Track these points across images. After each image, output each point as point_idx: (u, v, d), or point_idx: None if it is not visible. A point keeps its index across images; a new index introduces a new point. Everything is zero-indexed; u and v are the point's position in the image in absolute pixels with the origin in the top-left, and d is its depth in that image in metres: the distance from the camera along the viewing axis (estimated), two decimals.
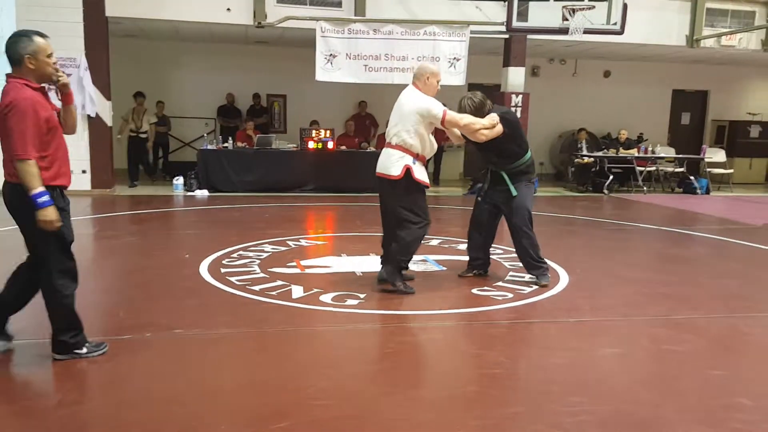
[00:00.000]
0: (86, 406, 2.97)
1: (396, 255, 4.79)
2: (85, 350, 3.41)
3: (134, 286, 4.97)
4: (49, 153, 3.16)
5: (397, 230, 4.77)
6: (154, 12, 9.99)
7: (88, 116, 9.93)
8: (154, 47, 12.72)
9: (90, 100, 9.88)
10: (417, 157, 4.72)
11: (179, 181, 10.53)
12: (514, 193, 5.01)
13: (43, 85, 3.23)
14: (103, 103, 10.07)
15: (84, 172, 10.03)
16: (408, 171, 4.66)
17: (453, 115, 4.75)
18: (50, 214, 3.09)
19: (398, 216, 4.77)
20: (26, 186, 3.05)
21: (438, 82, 4.90)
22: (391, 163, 4.71)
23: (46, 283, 3.30)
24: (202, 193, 10.28)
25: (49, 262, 3.25)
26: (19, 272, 3.46)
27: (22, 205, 3.12)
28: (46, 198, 3.07)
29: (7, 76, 3.14)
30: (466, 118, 4.81)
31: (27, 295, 3.47)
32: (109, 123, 10.15)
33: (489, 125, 4.85)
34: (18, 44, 3.11)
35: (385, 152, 4.80)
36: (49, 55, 3.17)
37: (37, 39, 3.13)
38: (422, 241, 4.98)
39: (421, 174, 4.73)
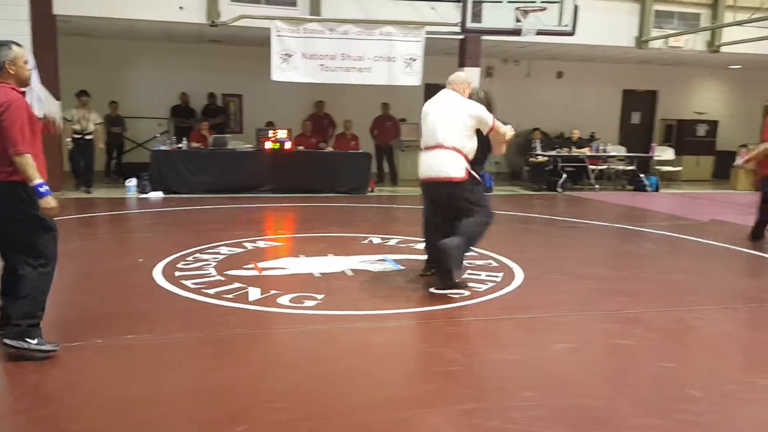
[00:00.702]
0: (35, 414, 2.87)
1: (464, 240, 4.69)
2: (35, 341, 3.42)
3: (85, 292, 4.85)
4: (33, 151, 3.35)
5: (465, 219, 4.76)
6: (103, 10, 9.76)
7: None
8: (105, 46, 12.43)
9: (38, 101, 9.54)
10: (466, 158, 4.77)
11: (132, 183, 10.30)
12: None
13: (23, 89, 3.50)
14: (52, 104, 9.77)
15: None
16: (468, 171, 4.73)
17: (497, 123, 4.87)
18: (52, 201, 3.33)
19: (466, 210, 4.78)
20: (28, 177, 3.27)
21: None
22: (450, 166, 4.71)
23: (35, 273, 3.43)
24: (156, 195, 10.09)
25: (39, 250, 3.43)
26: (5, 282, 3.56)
27: (9, 201, 3.33)
28: (46, 187, 3.31)
29: None
30: (502, 127, 4.92)
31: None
32: (59, 124, 9.87)
33: (510, 134, 5.01)
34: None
35: (436, 154, 4.76)
36: (25, 62, 3.47)
37: (15, 47, 3.42)
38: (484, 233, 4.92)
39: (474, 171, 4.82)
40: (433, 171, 4.80)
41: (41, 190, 3.29)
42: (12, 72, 3.40)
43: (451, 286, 4.79)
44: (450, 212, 4.89)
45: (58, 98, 9.86)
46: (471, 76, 11.24)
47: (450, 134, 4.73)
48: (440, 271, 4.86)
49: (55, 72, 9.88)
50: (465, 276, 5.13)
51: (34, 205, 3.34)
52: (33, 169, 3.29)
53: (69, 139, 10.21)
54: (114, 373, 3.30)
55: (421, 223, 5.32)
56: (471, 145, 4.81)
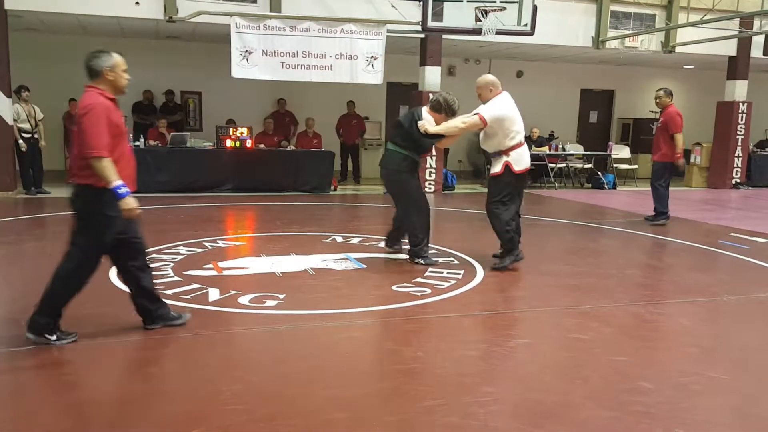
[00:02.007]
0: None
1: None
2: (54, 337, 3.55)
3: (38, 293, 4.70)
4: (114, 157, 3.41)
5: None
6: (56, 5, 9.49)
7: None
8: (59, 42, 12.09)
9: None
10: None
11: None
12: None
13: (115, 96, 3.60)
14: (3, 101, 9.49)
15: None
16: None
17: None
18: (131, 202, 3.41)
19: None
20: (106, 181, 3.34)
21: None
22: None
23: (68, 266, 3.54)
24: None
25: (85, 253, 3.51)
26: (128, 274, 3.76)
27: (83, 205, 3.48)
28: (125, 189, 3.39)
29: (86, 86, 3.55)
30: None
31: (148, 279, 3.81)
32: (10, 122, 9.55)
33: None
34: (99, 58, 3.55)
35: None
36: (125, 70, 3.63)
37: (115, 55, 3.61)
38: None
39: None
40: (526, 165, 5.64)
41: (119, 192, 3.36)
42: (110, 78, 3.55)
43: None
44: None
45: (9, 96, 9.57)
46: (435, 76, 11.35)
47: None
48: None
49: (7, 69, 9.58)
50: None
51: (109, 208, 3.42)
52: (110, 171, 3.35)
53: (22, 141, 9.56)
54: (66, 377, 3.23)
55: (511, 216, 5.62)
56: None
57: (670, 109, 8.29)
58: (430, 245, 5.90)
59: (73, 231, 3.58)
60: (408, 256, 5.81)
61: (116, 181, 3.35)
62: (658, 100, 8.46)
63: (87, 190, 3.44)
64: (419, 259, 5.70)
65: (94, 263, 3.59)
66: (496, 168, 5.60)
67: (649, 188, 8.79)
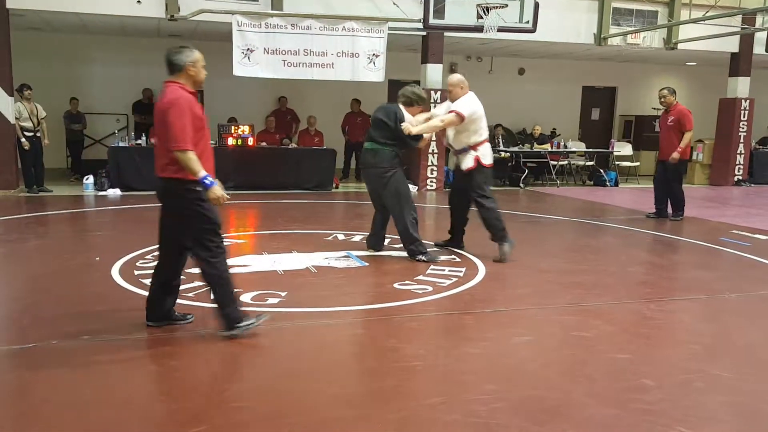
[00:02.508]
0: None
1: None
2: (244, 324, 3.72)
3: (40, 292, 4.73)
4: (197, 150, 3.50)
5: None
6: (58, 4, 9.50)
7: None
8: (60, 41, 12.11)
9: None
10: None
11: (89, 180, 10.07)
12: None
13: (193, 90, 3.66)
14: (5, 100, 9.50)
15: None
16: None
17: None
18: (218, 190, 3.52)
19: None
20: (192, 172, 3.44)
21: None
22: None
23: (207, 266, 3.64)
24: (114, 193, 9.88)
25: (203, 245, 3.59)
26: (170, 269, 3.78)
27: (173, 199, 3.57)
28: (210, 179, 3.49)
29: (166, 82, 3.61)
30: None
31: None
32: (12, 120, 9.56)
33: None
34: (182, 53, 3.61)
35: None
36: (203, 66, 3.69)
37: (196, 51, 3.68)
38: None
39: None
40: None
41: (206, 182, 3.47)
42: (192, 73, 3.62)
43: None
44: None
45: (11, 94, 9.58)
46: (436, 73, 11.34)
47: None
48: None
49: (9, 67, 9.59)
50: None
51: (198, 201, 3.53)
52: (195, 163, 3.44)
53: (25, 140, 9.52)
54: (69, 375, 3.23)
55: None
56: None
57: (680, 107, 8.41)
58: (428, 242, 5.91)
59: (178, 234, 3.67)
60: (408, 255, 5.80)
61: (201, 172, 3.46)
62: (662, 99, 8.51)
63: (179, 184, 3.53)
64: (421, 256, 5.70)
65: (223, 248, 3.71)
66: (469, 163, 5.86)
67: (652, 186, 8.81)
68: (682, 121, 8.23)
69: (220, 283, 3.69)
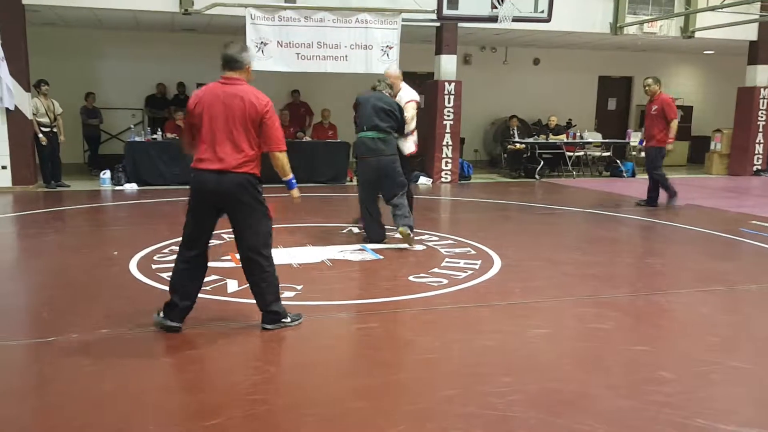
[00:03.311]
0: (6, 411, 2.84)
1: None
2: (289, 319, 3.84)
3: (59, 286, 4.79)
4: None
5: None
6: None
7: (7, 109, 9.44)
8: (75, 36, 12.19)
9: (8, 92, 9.38)
10: None
11: (106, 175, 10.16)
12: None
13: None
14: (22, 95, 9.59)
15: (4, 167, 9.57)
16: None
17: None
18: (298, 192, 3.94)
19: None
20: (286, 173, 3.77)
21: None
22: None
23: (260, 261, 3.70)
24: (131, 187, 9.97)
25: (261, 241, 3.72)
26: (192, 269, 3.75)
27: (242, 192, 3.64)
28: (294, 180, 3.84)
29: (232, 78, 3.63)
30: None
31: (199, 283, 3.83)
32: (29, 116, 9.66)
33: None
34: (246, 52, 3.73)
35: None
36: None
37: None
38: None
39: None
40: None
41: (293, 182, 3.85)
42: (249, 74, 3.72)
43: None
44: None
45: (28, 90, 9.67)
46: (451, 65, 11.29)
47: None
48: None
49: (26, 63, 9.68)
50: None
51: (262, 196, 3.74)
52: (288, 164, 3.74)
53: (42, 136, 9.62)
54: (88, 368, 3.27)
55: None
56: None
57: (663, 95, 8.61)
58: (443, 235, 5.92)
59: (244, 228, 3.73)
60: (405, 231, 5.84)
61: (291, 173, 3.80)
62: (647, 88, 8.74)
63: (254, 179, 3.69)
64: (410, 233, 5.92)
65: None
66: (411, 147, 6.27)
67: (670, 176, 8.76)
68: (666, 110, 8.43)
69: (274, 281, 3.76)
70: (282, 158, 3.70)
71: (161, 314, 3.73)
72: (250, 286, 3.80)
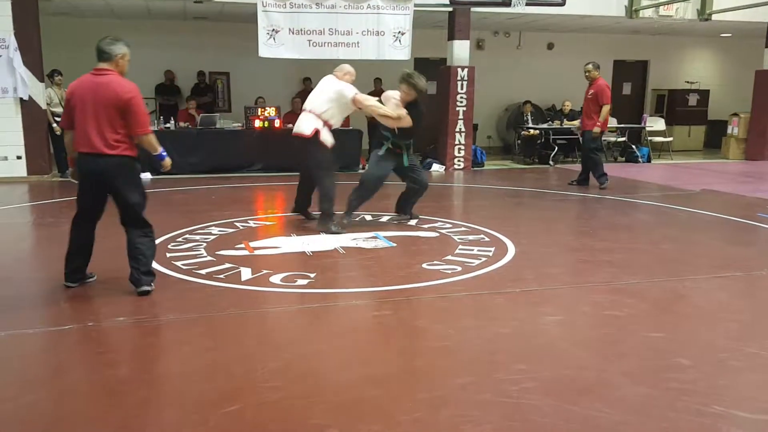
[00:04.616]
0: (26, 399, 2.86)
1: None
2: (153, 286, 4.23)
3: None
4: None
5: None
6: None
7: (21, 99, 9.50)
8: (88, 25, 12.20)
9: (22, 83, 9.44)
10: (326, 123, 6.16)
11: None
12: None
13: None
14: (36, 85, 9.64)
15: (19, 158, 9.64)
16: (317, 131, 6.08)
17: (361, 97, 6.30)
18: (169, 160, 4.42)
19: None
20: (154, 150, 4.19)
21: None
22: (306, 126, 6.17)
23: (143, 234, 4.19)
24: (145, 176, 9.97)
25: (142, 217, 4.18)
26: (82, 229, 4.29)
27: (118, 172, 4.05)
28: (165, 153, 4.30)
29: (102, 69, 4.02)
30: (371, 101, 6.34)
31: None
32: (43, 106, 9.71)
33: (393, 115, 6.10)
34: (115, 45, 4.06)
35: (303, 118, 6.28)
36: (128, 61, 4.14)
37: (127, 46, 4.13)
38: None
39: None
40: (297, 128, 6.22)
41: (164, 154, 4.28)
42: (119, 65, 4.05)
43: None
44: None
45: (41, 80, 9.72)
46: (463, 50, 11.18)
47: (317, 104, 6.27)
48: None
49: (39, 53, 9.72)
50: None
51: (139, 177, 4.25)
52: (157, 142, 4.17)
53: (56, 125, 9.53)
54: (105, 356, 3.30)
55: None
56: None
57: (600, 81, 9.01)
58: (456, 222, 5.88)
59: (121, 205, 4.15)
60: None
61: (161, 148, 4.23)
62: (587, 74, 9.16)
63: (132, 160, 4.10)
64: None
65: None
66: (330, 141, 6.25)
67: (685, 161, 8.70)
68: (600, 95, 8.84)
69: (147, 251, 4.19)
70: (147, 139, 4.09)
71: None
72: (128, 257, 4.20)
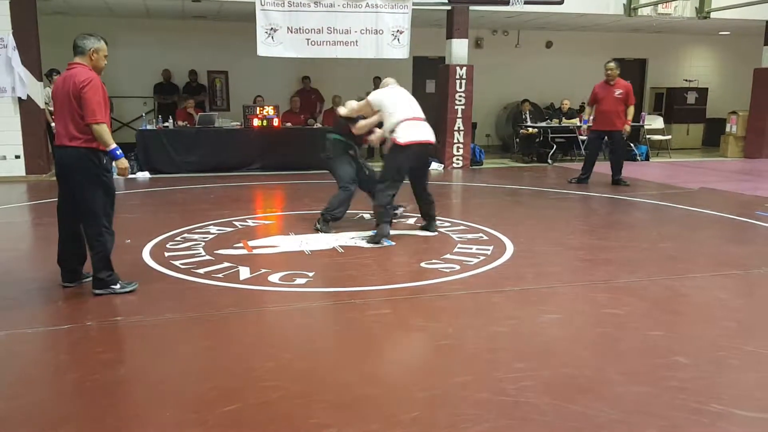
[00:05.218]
0: (23, 400, 2.86)
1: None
2: (118, 286, 4.13)
3: None
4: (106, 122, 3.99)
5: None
6: None
7: (19, 99, 9.49)
8: (86, 24, 12.15)
9: (20, 82, 9.43)
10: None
11: None
12: None
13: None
14: (34, 84, 9.63)
15: (17, 157, 9.63)
16: None
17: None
18: (125, 162, 4.12)
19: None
20: (105, 143, 3.95)
21: None
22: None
23: (93, 232, 4.05)
24: (143, 176, 10.00)
25: (97, 214, 4.02)
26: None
27: (76, 165, 3.97)
28: (120, 151, 4.03)
29: (74, 63, 4.06)
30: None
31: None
32: (41, 105, 9.71)
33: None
34: (88, 40, 4.10)
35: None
36: (105, 56, 4.17)
37: (102, 41, 4.15)
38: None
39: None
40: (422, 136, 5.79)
41: (117, 153, 4.01)
42: (93, 59, 4.08)
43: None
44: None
45: (40, 79, 9.70)
46: (462, 49, 11.19)
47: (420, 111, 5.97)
48: None
49: (37, 52, 9.70)
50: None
51: (103, 170, 4.03)
52: (109, 135, 3.96)
53: (54, 125, 9.73)
54: (104, 355, 3.29)
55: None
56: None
57: (622, 81, 9.09)
58: (455, 220, 5.86)
59: (78, 198, 4.04)
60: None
61: (114, 144, 3.99)
62: (610, 72, 9.07)
63: (91, 153, 3.98)
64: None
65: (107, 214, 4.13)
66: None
67: (683, 160, 8.72)
68: (629, 94, 8.95)
69: (103, 251, 4.06)
70: (98, 130, 3.91)
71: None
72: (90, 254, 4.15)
